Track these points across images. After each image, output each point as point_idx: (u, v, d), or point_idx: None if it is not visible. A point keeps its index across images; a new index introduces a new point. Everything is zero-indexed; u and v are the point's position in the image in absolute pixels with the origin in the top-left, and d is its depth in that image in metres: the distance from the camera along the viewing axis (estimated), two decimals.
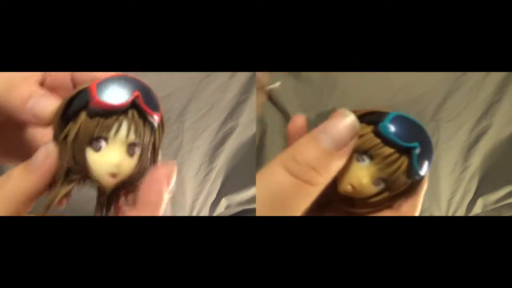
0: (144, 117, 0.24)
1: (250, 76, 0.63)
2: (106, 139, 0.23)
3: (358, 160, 0.24)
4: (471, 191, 0.72)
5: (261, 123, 0.66)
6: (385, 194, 0.25)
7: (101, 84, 0.23)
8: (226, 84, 0.63)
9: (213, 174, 0.68)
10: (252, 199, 0.69)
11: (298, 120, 0.26)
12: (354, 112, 0.23)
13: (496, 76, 0.68)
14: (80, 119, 0.23)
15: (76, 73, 0.26)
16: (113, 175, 0.23)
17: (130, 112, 0.23)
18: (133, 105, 0.23)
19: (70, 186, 0.24)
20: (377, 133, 0.23)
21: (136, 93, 0.23)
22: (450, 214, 0.71)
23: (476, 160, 0.72)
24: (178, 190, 0.65)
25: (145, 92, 0.23)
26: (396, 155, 0.23)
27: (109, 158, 0.23)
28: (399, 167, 0.24)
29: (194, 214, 0.68)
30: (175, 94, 0.61)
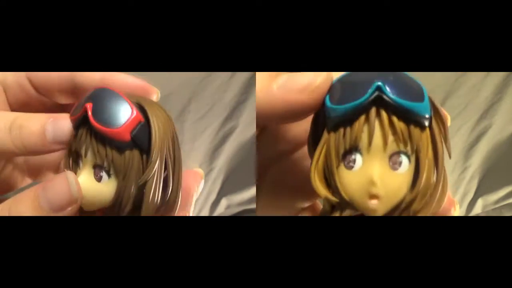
0: (97, 134, 0.21)
1: (250, 76, 0.63)
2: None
3: (348, 168, 0.19)
4: (471, 191, 0.72)
5: None
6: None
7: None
8: (226, 84, 0.63)
9: (213, 174, 0.68)
10: (252, 199, 0.69)
11: None
12: None
13: (496, 76, 0.68)
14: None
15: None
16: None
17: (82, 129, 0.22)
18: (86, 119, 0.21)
19: None
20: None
21: (88, 104, 0.21)
22: None
23: (476, 160, 0.72)
24: None
25: (98, 102, 0.21)
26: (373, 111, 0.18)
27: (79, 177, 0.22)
28: (389, 122, 0.19)
29: (194, 214, 0.68)
30: (175, 94, 0.61)
